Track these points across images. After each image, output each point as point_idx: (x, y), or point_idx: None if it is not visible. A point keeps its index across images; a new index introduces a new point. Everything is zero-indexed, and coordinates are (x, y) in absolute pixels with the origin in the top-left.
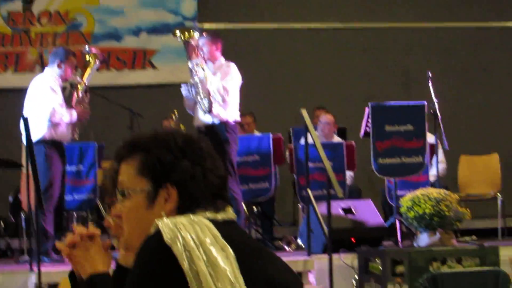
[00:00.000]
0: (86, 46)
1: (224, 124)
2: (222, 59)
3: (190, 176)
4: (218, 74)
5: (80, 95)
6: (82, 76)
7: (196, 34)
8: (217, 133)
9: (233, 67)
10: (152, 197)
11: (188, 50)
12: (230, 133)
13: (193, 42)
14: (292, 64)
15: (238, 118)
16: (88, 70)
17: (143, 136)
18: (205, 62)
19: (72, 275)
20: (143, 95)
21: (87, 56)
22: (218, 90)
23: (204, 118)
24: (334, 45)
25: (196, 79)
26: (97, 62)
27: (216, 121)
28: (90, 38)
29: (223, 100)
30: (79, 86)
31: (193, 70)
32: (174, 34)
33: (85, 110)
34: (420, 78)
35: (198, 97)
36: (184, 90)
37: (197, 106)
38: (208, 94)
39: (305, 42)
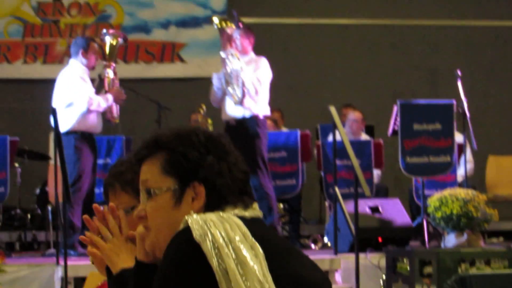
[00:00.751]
0: (104, 30)
1: (255, 118)
2: (252, 54)
3: (217, 172)
4: (250, 66)
5: (111, 77)
6: (109, 58)
7: (233, 24)
8: (247, 127)
9: (264, 61)
10: (179, 196)
11: (223, 39)
12: (261, 127)
13: (229, 31)
14: (320, 60)
15: (268, 113)
16: (113, 51)
17: (165, 134)
18: None
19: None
20: (171, 88)
21: (107, 38)
22: (251, 81)
23: (234, 111)
24: (362, 42)
25: (229, 69)
26: (120, 40)
27: (247, 115)
28: (119, 30)
29: (256, 92)
30: (108, 69)
31: (226, 60)
32: (212, 21)
33: (119, 91)
34: (448, 76)
35: (230, 87)
36: (215, 80)
37: (227, 99)
38: (241, 85)
39: (333, 38)
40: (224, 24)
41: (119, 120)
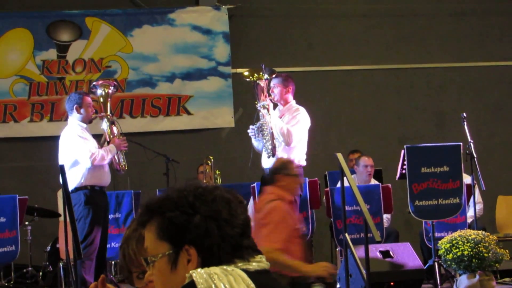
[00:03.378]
0: (93, 83)
1: None
2: (293, 102)
3: (204, 232)
4: (286, 116)
5: (111, 128)
6: (104, 109)
7: (265, 76)
8: None
9: (301, 111)
10: (174, 260)
11: (257, 91)
12: None
13: (262, 84)
14: (325, 107)
15: (303, 163)
16: (107, 101)
17: (156, 199)
18: (275, 103)
19: None
20: (178, 141)
21: (98, 91)
22: (282, 133)
23: (267, 162)
24: (367, 87)
25: (262, 121)
26: (111, 89)
27: None
28: (125, 85)
29: (287, 144)
30: (105, 120)
31: (260, 112)
32: (244, 75)
33: (121, 140)
34: (454, 118)
35: (264, 139)
36: (251, 132)
37: (263, 148)
38: (271, 137)
39: (338, 84)
40: (256, 76)
41: (127, 167)
